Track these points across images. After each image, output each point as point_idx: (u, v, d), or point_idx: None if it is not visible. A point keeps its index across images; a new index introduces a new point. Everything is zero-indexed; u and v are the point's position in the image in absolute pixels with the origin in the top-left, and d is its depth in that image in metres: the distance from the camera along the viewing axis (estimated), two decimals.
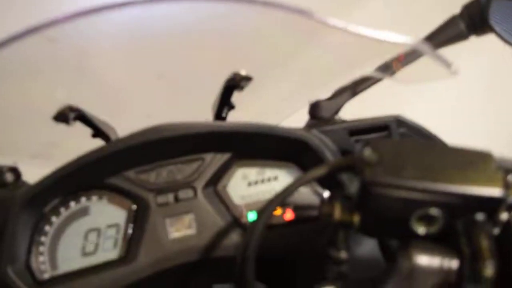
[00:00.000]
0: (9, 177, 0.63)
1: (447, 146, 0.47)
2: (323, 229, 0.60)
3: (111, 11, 0.48)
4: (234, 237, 0.60)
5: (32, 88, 0.67)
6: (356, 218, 0.44)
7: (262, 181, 0.64)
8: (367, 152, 0.42)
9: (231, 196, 0.63)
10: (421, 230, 0.42)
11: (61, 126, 0.64)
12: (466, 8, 0.69)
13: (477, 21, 0.67)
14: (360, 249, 0.60)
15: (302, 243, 0.61)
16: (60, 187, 0.60)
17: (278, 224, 0.62)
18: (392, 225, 0.43)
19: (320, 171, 0.47)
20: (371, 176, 0.41)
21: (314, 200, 0.63)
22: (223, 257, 0.60)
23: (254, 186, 0.64)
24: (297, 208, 0.63)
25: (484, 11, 0.66)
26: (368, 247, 0.61)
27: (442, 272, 0.40)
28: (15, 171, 0.64)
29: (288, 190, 0.48)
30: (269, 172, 0.64)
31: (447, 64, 0.46)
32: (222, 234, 0.60)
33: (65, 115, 0.60)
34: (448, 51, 0.67)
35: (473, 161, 0.43)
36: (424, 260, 0.40)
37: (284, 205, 0.63)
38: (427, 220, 0.41)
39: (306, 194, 0.64)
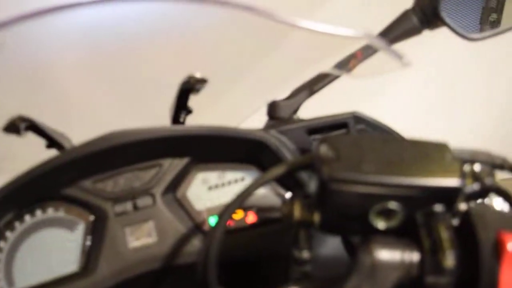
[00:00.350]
0: None
1: (404, 139, 0.47)
2: (286, 231, 0.59)
3: (60, 12, 0.47)
4: (196, 244, 0.59)
5: None
6: (316, 217, 0.43)
7: (223, 184, 0.63)
8: (323, 149, 0.42)
9: (191, 202, 0.62)
10: (381, 224, 0.42)
11: (12, 138, 0.62)
12: (418, 2, 0.69)
13: (429, 15, 0.68)
14: (324, 248, 0.60)
15: (265, 245, 0.60)
16: (13, 200, 0.58)
17: (240, 228, 0.61)
18: (352, 221, 0.43)
19: (278, 170, 0.47)
20: (329, 173, 0.40)
21: (276, 202, 0.63)
22: (185, 265, 0.59)
23: (215, 190, 0.62)
24: (259, 211, 0.62)
25: (435, 3, 0.66)
26: (332, 245, 0.61)
27: (404, 266, 0.40)
28: None
29: (247, 192, 0.47)
30: (230, 175, 0.63)
31: (399, 56, 0.46)
32: (183, 241, 0.59)
33: (15, 126, 0.58)
34: (405, 45, 0.68)
35: (430, 153, 0.43)
36: (385, 254, 0.40)
37: (246, 208, 0.62)
38: (387, 214, 0.41)
39: (268, 196, 0.63)
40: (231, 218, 0.48)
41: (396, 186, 0.40)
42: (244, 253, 0.60)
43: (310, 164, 0.44)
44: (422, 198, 0.41)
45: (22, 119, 0.59)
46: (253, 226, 0.62)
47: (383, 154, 0.42)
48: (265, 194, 0.63)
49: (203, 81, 0.61)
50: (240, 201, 0.47)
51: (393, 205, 0.41)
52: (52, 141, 0.63)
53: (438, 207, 0.41)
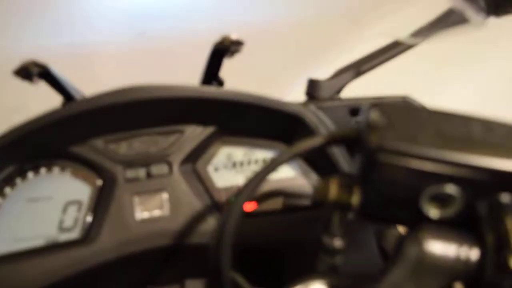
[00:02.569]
0: None
1: (472, 117, 0.40)
2: (314, 220, 0.53)
3: None
4: (212, 223, 0.53)
5: None
6: (355, 198, 0.36)
7: (249, 162, 0.57)
8: (375, 115, 0.35)
9: (211, 177, 0.56)
10: (433, 212, 0.35)
11: (24, 89, 0.56)
12: None
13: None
14: (356, 247, 0.53)
15: (289, 234, 0.54)
16: (16, 151, 0.52)
17: (262, 212, 0.55)
18: (398, 206, 0.36)
19: (315, 141, 0.40)
20: (378, 142, 0.33)
21: (305, 187, 0.56)
22: (198, 245, 0.52)
23: (240, 168, 0.56)
24: (286, 195, 0.56)
25: None
26: (366, 246, 0.54)
27: (459, 262, 0.33)
28: None
29: (277, 162, 0.40)
30: (258, 153, 0.57)
31: (475, 12, 0.40)
32: (198, 218, 0.53)
33: (28, 71, 0.52)
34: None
35: (504, 134, 0.35)
36: (437, 247, 0.33)
37: (272, 192, 0.56)
38: (442, 200, 0.34)
39: (297, 181, 0.56)
40: (252, 198, 0.41)
41: (458, 164, 0.33)
42: (264, 240, 0.53)
43: (354, 138, 0.38)
44: (488, 184, 0.33)
45: (36, 64, 0.53)
46: (277, 212, 0.55)
47: (446, 126, 0.35)
48: (294, 178, 0.56)
49: (238, 43, 0.55)
50: (267, 173, 0.40)
51: (451, 188, 0.33)
52: (64, 94, 0.57)
53: (506, 197, 0.34)
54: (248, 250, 0.44)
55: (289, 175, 0.56)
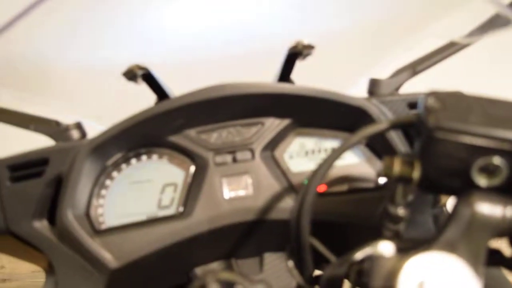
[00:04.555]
0: (75, 134, 0.66)
1: None
2: (376, 200, 0.60)
3: None
4: (289, 202, 0.61)
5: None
6: (416, 172, 0.44)
7: (319, 151, 0.64)
8: (431, 101, 0.42)
9: (287, 163, 0.64)
10: (482, 181, 0.41)
11: (128, 90, 0.66)
12: None
13: None
14: (414, 225, 0.60)
15: (354, 211, 0.61)
16: (122, 141, 0.62)
17: (333, 193, 0.63)
18: (452, 177, 0.42)
19: (380, 126, 0.48)
20: (435, 122, 0.41)
21: (367, 173, 0.64)
22: (278, 220, 0.61)
23: (311, 155, 0.64)
24: (352, 179, 0.63)
25: None
26: (422, 221, 0.61)
27: (504, 221, 0.40)
28: (80, 128, 0.67)
29: (346, 145, 0.48)
30: (327, 143, 0.65)
31: None
32: (277, 197, 0.61)
33: (133, 73, 0.62)
34: None
35: None
36: (486, 208, 0.40)
37: (338, 177, 0.63)
38: (490, 170, 0.41)
39: (361, 168, 0.64)
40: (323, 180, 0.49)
41: (503, 139, 0.40)
42: (332, 216, 0.60)
43: (413, 122, 0.45)
44: None
45: (139, 67, 0.63)
46: (344, 192, 0.63)
47: (492, 109, 0.42)
48: (358, 164, 0.64)
49: (310, 47, 0.63)
50: (338, 155, 0.48)
51: (498, 160, 0.40)
52: (162, 94, 0.67)
53: None
54: (318, 225, 0.51)
55: (354, 161, 0.64)
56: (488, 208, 0.40)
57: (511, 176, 0.41)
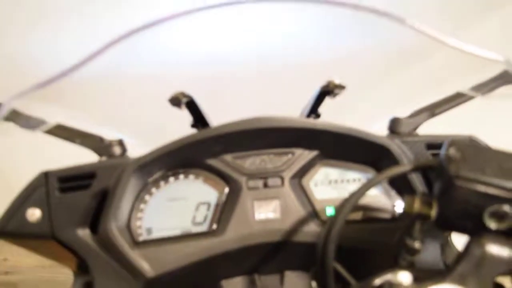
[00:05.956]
0: (117, 150, 0.73)
1: None
2: (392, 230, 0.65)
3: None
4: (313, 227, 0.67)
5: None
6: (433, 211, 0.50)
7: (342, 181, 0.71)
8: (452, 150, 0.49)
9: (313, 190, 0.70)
10: (493, 225, 0.47)
11: (169, 112, 0.73)
12: None
13: None
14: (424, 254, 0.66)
15: (372, 238, 0.67)
16: (164, 161, 0.68)
17: (353, 221, 0.68)
18: (466, 219, 0.48)
19: (405, 167, 0.54)
20: (456, 170, 0.47)
21: (385, 204, 0.70)
22: (301, 242, 0.66)
23: (334, 185, 0.70)
24: (372, 209, 0.69)
25: None
26: (432, 253, 0.67)
27: (509, 261, 0.45)
28: (122, 145, 0.74)
29: (374, 181, 0.54)
30: (350, 174, 0.71)
31: None
32: (303, 222, 0.67)
33: (178, 100, 0.69)
34: None
35: None
36: (495, 249, 0.46)
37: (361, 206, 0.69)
38: (500, 216, 0.47)
39: (380, 198, 0.70)
40: (354, 204, 0.55)
41: None
42: (352, 242, 0.66)
43: (434, 166, 0.51)
44: None
45: (184, 94, 0.70)
46: (363, 221, 0.69)
47: (504, 162, 0.48)
48: (378, 196, 0.70)
49: (341, 87, 0.69)
50: (366, 190, 0.54)
51: (507, 208, 0.46)
52: (200, 121, 0.74)
53: None
54: (340, 250, 0.57)
55: (374, 194, 0.70)
56: (496, 249, 0.46)
57: None
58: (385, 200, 0.70)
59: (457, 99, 0.77)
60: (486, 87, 0.75)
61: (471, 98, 0.76)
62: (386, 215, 0.69)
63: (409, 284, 0.47)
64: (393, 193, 0.70)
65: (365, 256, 0.68)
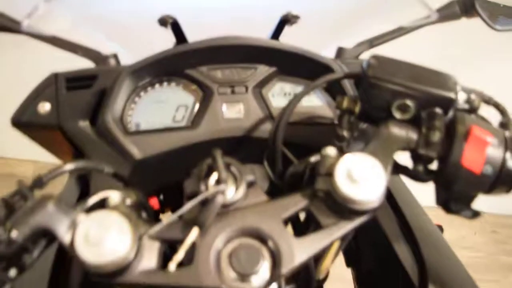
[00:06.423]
0: (112, 61, 0.88)
1: (429, 68, 0.65)
2: (331, 131, 0.82)
3: None
4: (269, 126, 0.84)
5: None
6: (358, 107, 0.66)
7: (294, 93, 0.87)
8: (372, 60, 0.65)
9: (270, 99, 0.87)
10: (398, 115, 0.62)
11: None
12: None
13: (468, 6, 0.91)
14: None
15: (314, 137, 0.83)
16: (151, 69, 0.84)
17: (298, 122, 0.85)
18: (379, 111, 0.64)
19: (337, 75, 0.71)
20: (372, 73, 0.62)
21: (326, 112, 0.87)
22: (260, 138, 0.83)
23: (288, 96, 0.87)
24: (315, 116, 0.86)
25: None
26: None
27: (406, 139, 0.61)
28: (116, 58, 0.89)
29: (314, 85, 0.71)
30: (300, 88, 0.87)
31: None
32: (261, 121, 0.84)
33: (165, 20, 0.84)
34: None
35: (442, 76, 0.63)
36: (396, 130, 0.61)
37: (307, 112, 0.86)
38: (403, 108, 0.62)
39: (322, 109, 0.87)
40: (295, 105, 0.71)
41: (414, 89, 0.61)
42: (300, 140, 0.82)
43: (360, 74, 0.66)
44: (429, 101, 0.61)
45: (170, 17, 0.85)
46: (306, 123, 0.86)
47: (413, 70, 0.62)
48: (320, 106, 0.87)
49: (297, 17, 0.86)
50: (307, 92, 0.71)
51: (409, 102, 0.61)
52: (183, 40, 0.89)
53: (438, 110, 0.61)
54: (287, 145, 0.73)
55: (318, 104, 0.87)
56: (398, 130, 0.61)
57: (416, 114, 0.62)
58: (327, 110, 0.87)
59: (396, 33, 0.94)
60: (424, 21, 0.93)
61: (410, 31, 0.93)
62: (327, 121, 0.86)
63: (334, 154, 0.63)
64: (333, 104, 0.87)
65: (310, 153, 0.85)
